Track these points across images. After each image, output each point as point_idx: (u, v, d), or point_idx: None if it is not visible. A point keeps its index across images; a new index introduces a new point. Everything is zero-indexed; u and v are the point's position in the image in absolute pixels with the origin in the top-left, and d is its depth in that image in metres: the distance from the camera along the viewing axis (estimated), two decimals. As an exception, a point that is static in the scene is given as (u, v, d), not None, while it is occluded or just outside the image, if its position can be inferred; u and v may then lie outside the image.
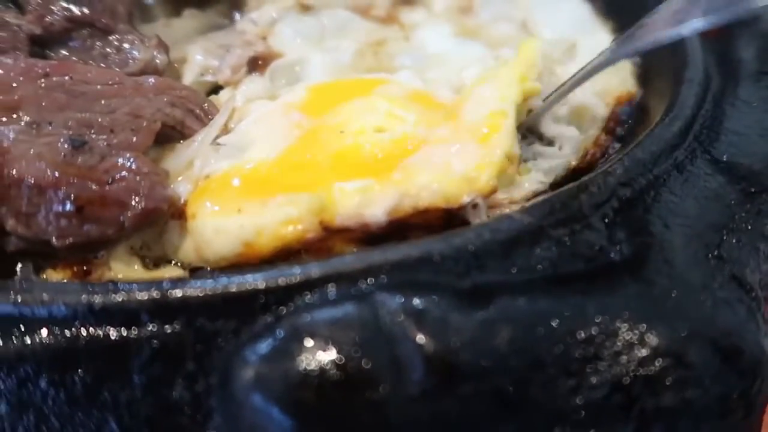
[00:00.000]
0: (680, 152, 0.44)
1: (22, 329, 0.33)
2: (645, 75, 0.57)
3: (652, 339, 0.33)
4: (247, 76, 0.54)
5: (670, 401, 0.32)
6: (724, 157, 0.45)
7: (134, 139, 0.41)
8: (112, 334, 0.33)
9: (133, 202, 0.37)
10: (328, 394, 0.31)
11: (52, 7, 0.48)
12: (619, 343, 0.33)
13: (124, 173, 0.38)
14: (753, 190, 0.43)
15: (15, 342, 0.32)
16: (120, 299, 0.33)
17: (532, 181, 0.48)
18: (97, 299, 0.33)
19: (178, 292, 0.34)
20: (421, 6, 0.64)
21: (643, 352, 0.33)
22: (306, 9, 0.61)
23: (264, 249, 0.40)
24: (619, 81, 0.57)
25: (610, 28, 0.61)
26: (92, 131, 0.40)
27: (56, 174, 0.36)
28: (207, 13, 0.61)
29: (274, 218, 0.40)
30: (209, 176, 0.43)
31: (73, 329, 0.33)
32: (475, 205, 0.41)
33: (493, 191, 0.42)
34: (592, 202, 0.40)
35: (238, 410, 0.33)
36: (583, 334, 0.33)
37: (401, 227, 0.43)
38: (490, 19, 0.63)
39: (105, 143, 0.40)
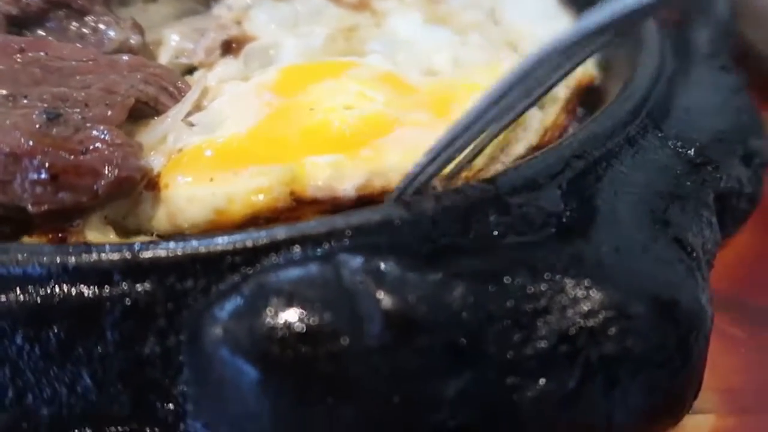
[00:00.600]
0: (632, 128, 0.47)
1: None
2: (605, 60, 0.60)
3: (596, 294, 0.35)
4: (221, 58, 0.55)
5: (612, 350, 0.34)
6: (674, 132, 0.47)
7: (108, 113, 0.42)
8: (86, 292, 0.34)
9: (107, 171, 0.39)
10: (292, 347, 0.33)
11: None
12: (565, 298, 0.35)
13: (97, 144, 0.39)
14: (698, 161, 0.45)
15: (-10, 299, 0.34)
16: (93, 259, 0.35)
17: (494, 160, 0.51)
18: (71, 259, 0.34)
19: (149, 253, 0.35)
20: (392, -6, 0.67)
21: (588, 305, 0.35)
22: (280, -5, 0.63)
23: (235, 216, 0.42)
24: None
25: (573, 15, 0.64)
26: (67, 105, 0.41)
27: (31, 143, 0.38)
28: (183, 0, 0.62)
29: (245, 187, 0.42)
30: (182, 150, 0.45)
31: (47, 288, 0.34)
32: None
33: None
34: (547, 173, 0.42)
35: (207, 364, 0.34)
36: (532, 290, 0.35)
37: (370, 203, 0.45)
38: (459, 6, 0.65)
39: (79, 117, 0.41)
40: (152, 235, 0.44)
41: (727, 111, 0.50)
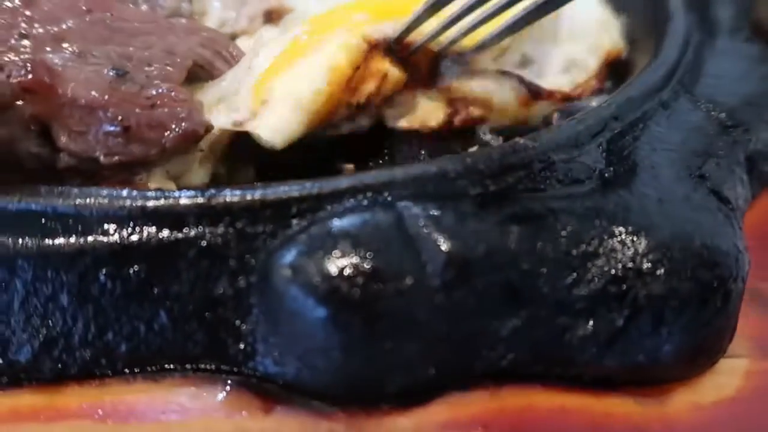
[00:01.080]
0: (665, 93, 0.49)
1: (83, 228, 0.36)
2: (631, 33, 0.62)
3: (643, 238, 0.37)
4: (262, 26, 0.58)
5: (658, 290, 0.36)
6: (704, 96, 0.50)
7: (169, 73, 0.44)
8: (163, 234, 0.36)
9: (174, 125, 0.41)
10: (359, 285, 0.35)
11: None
12: (614, 242, 0.37)
13: (164, 100, 0.41)
14: (729, 123, 0.48)
15: (76, 239, 0.36)
16: (170, 203, 0.37)
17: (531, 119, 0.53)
18: (150, 203, 0.36)
19: (221, 198, 0.37)
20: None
21: (636, 249, 0.37)
22: (316, -31, 0.65)
23: (335, 93, 0.45)
24: (609, 38, 0.62)
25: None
26: (132, 63, 0.43)
27: (105, 96, 0.40)
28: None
29: (319, 62, 0.46)
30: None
31: (127, 229, 0.36)
32: None
33: None
34: (588, 133, 0.44)
35: (277, 303, 0.36)
36: (583, 236, 0.37)
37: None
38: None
39: (144, 75, 0.43)
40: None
41: (754, 78, 0.53)
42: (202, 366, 0.38)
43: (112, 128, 0.40)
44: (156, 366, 0.38)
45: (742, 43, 0.56)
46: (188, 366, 0.38)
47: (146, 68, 0.43)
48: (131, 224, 0.36)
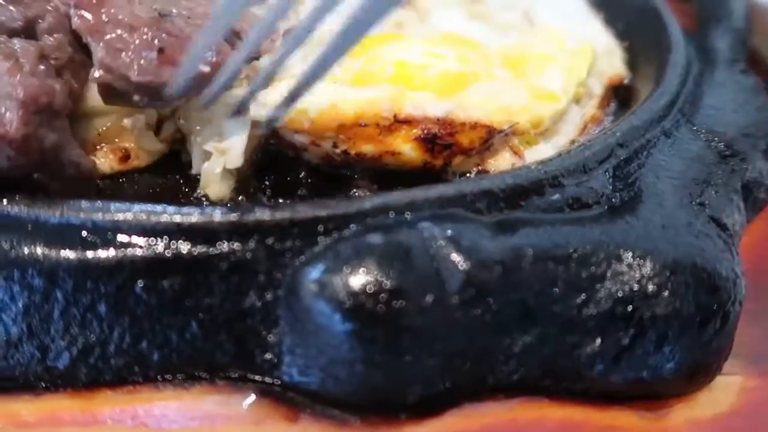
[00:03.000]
0: (667, 121, 0.52)
1: (121, 241, 0.38)
2: (633, 61, 0.65)
3: (648, 262, 0.40)
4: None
5: (662, 311, 0.39)
6: (704, 126, 0.53)
7: None
8: (197, 249, 0.38)
9: (209, 55, 0.43)
10: (383, 301, 0.37)
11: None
12: (621, 266, 0.40)
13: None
14: (727, 153, 0.51)
15: (115, 252, 0.37)
16: (203, 220, 0.38)
17: (540, 151, 0.55)
18: (185, 219, 0.38)
19: (252, 216, 0.39)
20: (433, -6, 0.71)
21: (642, 272, 0.39)
22: (332, -9, 0.67)
23: (345, 116, 0.48)
24: (611, 65, 0.65)
25: (602, 18, 0.69)
26: (173, 14, 0.45)
27: (147, 22, 0.43)
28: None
29: (361, 95, 0.48)
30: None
31: (163, 243, 0.38)
32: (507, 135, 0.50)
33: (524, 132, 0.50)
34: (595, 159, 0.47)
35: (304, 316, 0.38)
36: (592, 259, 0.40)
37: (449, 144, 0.49)
38: (497, 7, 0.70)
39: (183, 21, 0.45)
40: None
41: (750, 109, 0.56)
42: (230, 375, 0.40)
43: (148, 48, 0.42)
44: (185, 374, 0.39)
45: (739, 75, 0.59)
46: (216, 374, 0.40)
47: (187, 18, 0.46)
48: (167, 239, 0.38)
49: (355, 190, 0.51)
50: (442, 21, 0.68)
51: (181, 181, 0.50)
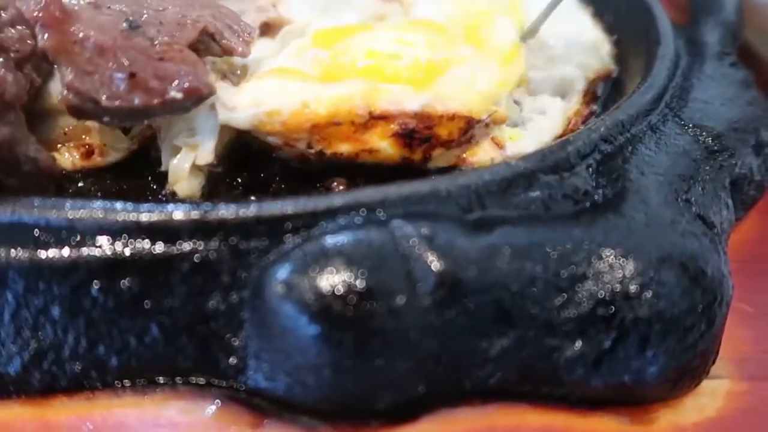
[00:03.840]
0: (654, 116, 0.50)
1: (76, 240, 0.36)
2: (621, 54, 0.63)
3: (631, 262, 0.38)
4: (259, 38, 0.58)
5: (645, 313, 0.37)
6: (692, 121, 0.51)
7: (180, 30, 0.44)
8: (157, 248, 0.37)
9: (179, 79, 0.41)
10: (351, 303, 0.35)
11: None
12: (603, 265, 0.38)
13: (173, 56, 0.42)
14: (715, 148, 0.49)
15: (70, 251, 0.36)
16: (164, 218, 0.37)
17: (523, 145, 0.53)
18: (144, 217, 0.37)
19: (215, 214, 0.37)
20: (418, -14, 0.69)
21: (624, 272, 0.38)
22: (313, -19, 0.65)
23: (318, 116, 0.46)
24: (598, 59, 0.63)
25: (591, 11, 0.67)
26: (144, 19, 0.44)
27: (116, 42, 0.41)
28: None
29: (333, 92, 0.46)
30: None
31: (121, 243, 0.36)
32: (487, 125, 0.48)
33: (503, 120, 0.49)
34: (578, 154, 0.45)
35: (269, 319, 0.37)
36: (572, 258, 0.38)
37: (427, 137, 0.48)
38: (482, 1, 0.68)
39: (155, 30, 0.43)
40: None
41: (740, 103, 0.54)
42: (192, 380, 0.38)
43: (118, 72, 0.40)
44: (146, 379, 0.38)
45: (729, 68, 0.58)
46: (178, 379, 0.38)
47: (158, 25, 0.44)
48: (125, 238, 0.36)
49: (333, 186, 0.50)
50: (425, 14, 0.67)
51: (149, 178, 0.48)
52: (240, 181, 0.48)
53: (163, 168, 0.48)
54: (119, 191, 0.46)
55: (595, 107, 0.59)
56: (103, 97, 0.40)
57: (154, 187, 0.47)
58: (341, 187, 0.49)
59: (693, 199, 0.44)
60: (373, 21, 0.64)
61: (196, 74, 0.42)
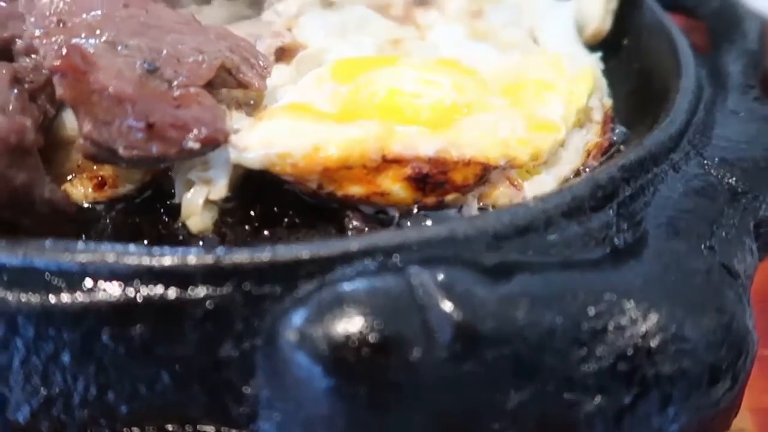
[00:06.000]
0: (676, 154, 0.49)
1: (88, 286, 0.35)
2: (643, 81, 0.62)
3: (654, 315, 0.37)
4: (274, 65, 0.57)
5: (668, 370, 0.36)
6: (715, 160, 0.49)
7: (197, 70, 0.44)
8: (169, 294, 0.36)
9: (196, 128, 0.41)
10: (366, 355, 0.35)
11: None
12: (624, 319, 0.37)
13: (190, 101, 0.42)
14: (739, 190, 0.48)
15: (80, 297, 0.35)
16: (177, 263, 0.36)
17: (540, 181, 0.51)
18: (157, 262, 0.36)
19: (229, 259, 0.37)
20: (434, 8, 0.68)
21: (646, 326, 0.37)
22: (328, 4, 0.64)
23: (329, 159, 0.45)
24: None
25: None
26: (161, 59, 0.43)
27: (134, 90, 0.40)
28: (235, 3, 0.63)
29: (344, 134, 0.45)
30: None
31: (133, 288, 0.36)
32: (504, 168, 0.47)
33: (522, 165, 0.48)
34: (599, 196, 0.44)
35: (282, 368, 0.36)
36: (593, 310, 0.37)
37: (441, 182, 0.47)
38: (500, 23, 0.67)
39: (172, 69, 0.43)
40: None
41: (764, 141, 0.52)
42: (202, 428, 0.37)
43: (136, 123, 0.40)
44: (155, 427, 0.37)
45: (753, 103, 0.56)
46: (188, 427, 0.37)
47: (176, 64, 0.44)
48: (137, 283, 0.36)
49: (347, 219, 0.49)
50: (441, 38, 0.65)
51: (162, 210, 0.47)
52: (253, 214, 0.48)
53: (176, 200, 0.47)
54: (131, 224, 0.46)
55: (614, 137, 0.58)
56: (121, 148, 0.39)
57: (167, 219, 0.47)
58: (355, 222, 0.48)
59: (717, 246, 0.42)
60: (389, 45, 0.63)
61: (213, 121, 0.42)
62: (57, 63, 0.39)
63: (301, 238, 0.47)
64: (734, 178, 0.48)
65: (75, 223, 0.44)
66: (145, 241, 0.45)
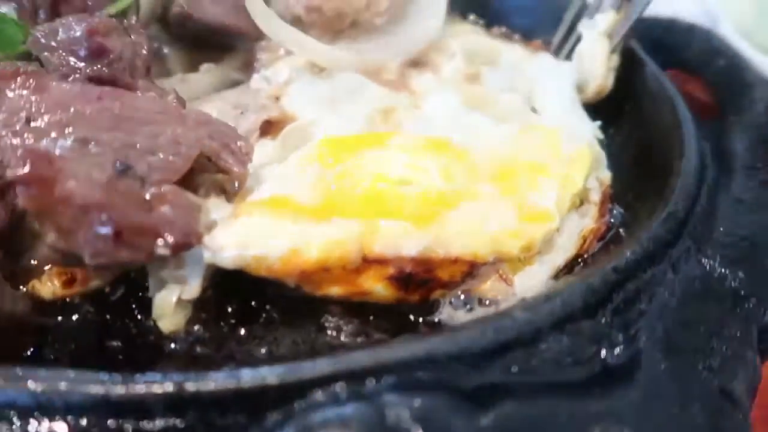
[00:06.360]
0: (675, 250, 0.46)
1: (40, 418, 0.33)
2: (642, 154, 0.60)
3: (644, 452, 0.35)
4: (259, 140, 0.55)
5: None
6: (716, 258, 0.47)
7: (173, 163, 0.42)
8: (127, 426, 0.34)
9: (167, 235, 0.39)
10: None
11: (75, 66, 0.49)
12: (612, 453, 0.35)
13: (162, 202, 0.40)
14: (742, 293, 0.45)
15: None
16: (136, 392, 0.34)
17: (532, 273, 0.49)
18: (114, 391, 0.34)
19: (191, 387, 0.35)
20: (430, 70, 0.66)
21: (635, 464, 0.34)
22: (319, 71, 0.62)
23: (307, 263, 0.43)
24: (603, 169, 0.58)
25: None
26: (135, 152, 0.41)
27: (102, 196, 0.38)
28: (223, 68, 0.61)
29: (326, 235, 0.43)
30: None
31: (89, 419, 0.34)
32: (494, 263, 0.45)
33: (512, 258, 0.46)
34: (590, 303, 0.41)
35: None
36: (579, 442, 0.35)
37: (426, 280, 0.45)
38: (497, 89, 0.64)
39: (146, 166, 0.41)
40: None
41: (770, 235, 0.50)
42: None
43: (103, 231, 0.38)
44: None
45: (759, 189, 0.53)
46: None
47: (150, 158, 0.42)
48: (92, 414, 0.33)
49: (326, 316, 0.47)
50: (435, 108, 0.63)
51: (134, 306, 0.45)
52: (230, 310, 0.46)
53: (150, 294, 0.46)
54: (101, 323, 0.44)
55: (611, 220, 0.56)
56: (87, 256, 0.38)
57: (139, 317, 0.45)
58: (333, 319, 0.46)
59: (716, 365, 0.40)
60: (380, 116, 0.61)
61: (185, 225, 0.40)
62: (20, 172, 0.37)
63: (278, 338, 0.45)
64: (737, 281, 0.46)
65: (39, 323, 0.42)
66: (115, 342, 0.43)
